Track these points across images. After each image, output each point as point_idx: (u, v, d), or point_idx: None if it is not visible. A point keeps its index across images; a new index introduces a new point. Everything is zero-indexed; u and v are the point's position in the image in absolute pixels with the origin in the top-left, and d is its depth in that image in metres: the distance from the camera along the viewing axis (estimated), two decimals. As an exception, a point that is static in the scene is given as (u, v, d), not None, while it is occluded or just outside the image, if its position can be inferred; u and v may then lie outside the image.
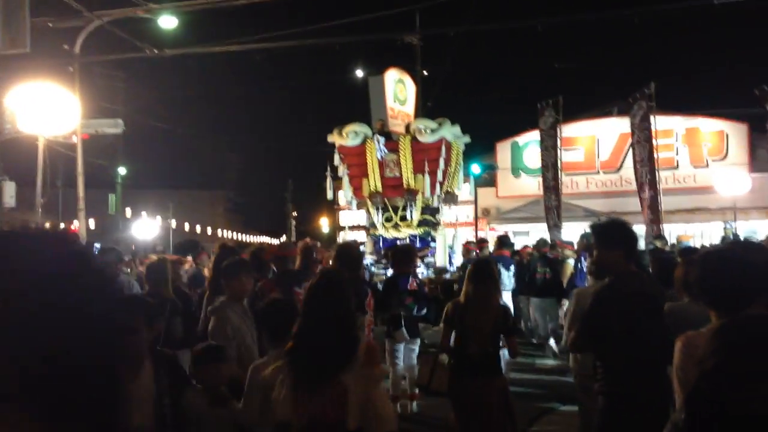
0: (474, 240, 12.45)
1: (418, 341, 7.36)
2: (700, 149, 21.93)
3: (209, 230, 41.06)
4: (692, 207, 20.87)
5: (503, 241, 11.08)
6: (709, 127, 22.01)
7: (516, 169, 24.28)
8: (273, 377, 3.24)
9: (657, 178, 18.67)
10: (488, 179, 24.42)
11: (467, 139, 12.21)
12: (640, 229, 12.31)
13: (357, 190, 12.20)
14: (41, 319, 0.78)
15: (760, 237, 14.21)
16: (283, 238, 34.27)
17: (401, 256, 7.04)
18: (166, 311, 5.64)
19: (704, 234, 18.29)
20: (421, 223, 11.72)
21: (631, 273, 3.64)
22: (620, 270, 3.55)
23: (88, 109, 17.41)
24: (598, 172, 23.11)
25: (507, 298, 9.57)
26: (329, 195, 13.00)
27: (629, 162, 20.52)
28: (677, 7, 15.46)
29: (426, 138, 11.41)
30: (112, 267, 6.52)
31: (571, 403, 6.75)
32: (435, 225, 11.91)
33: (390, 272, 8.26)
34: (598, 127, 23.35)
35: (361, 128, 11.97)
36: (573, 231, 16.81)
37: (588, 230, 10.40)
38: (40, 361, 0.77)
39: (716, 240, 15.31)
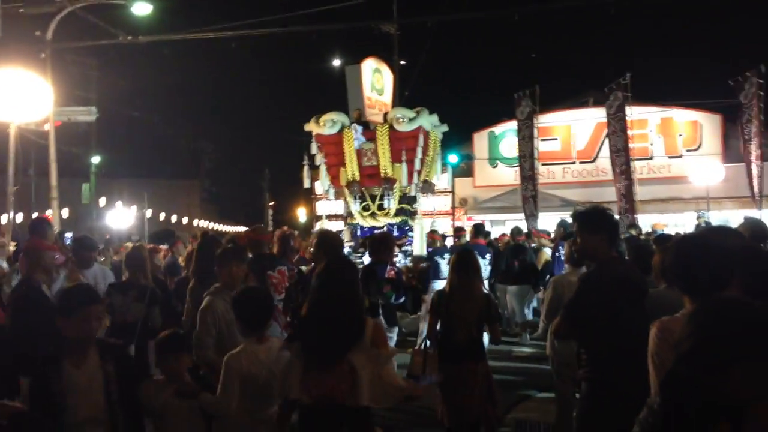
0: (437, 229, 12.46)
1: (396, 329, 7.37)
2: (675, 140, 22.18)
3: (185, 220, 40.77)
4: (666, 197, 21.14)
5: (478, 229, 11.14)
6: (683, 117, 22.25)
7: (493, 159, 24.36)
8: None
9: (632, 168, 18.89)
10: (465, 169, 24.50)
11: (445, 128, 12.19)
12: (615, 218, 12.41)
13: (334, 179, 12.14)
14: None
15: (733, 226, 14.38)
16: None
17: (378, 244, 7.00)
18: (146, 298, 5.58)
19: (678, 223, 18.48)
20: (398, 212, 11.70)
21: (615, 258, 3.65)
22: (603, 256, 3.54)
23: (61, 97, 17.11)
24: (575, 161, 23.28)
25: (483, 286, 9.61)
26: (306, 184, 12.93)
27: (605, 152, 20.71)
28: (653, -3, 15.56)
29: (403, 127, 11.38)
30: (86, 256, 6.38)
31: (547, 391, 6.81)
32: (412, 214, 11.90)
33: (367, 260, 8.22)
34: (574, 117, 23.50)
35: (338, 117, 11.89)
36: (549, 220, 16.93)
37: (565, 219, 10.56)
38: None
39: (690, 229, 15.50)
